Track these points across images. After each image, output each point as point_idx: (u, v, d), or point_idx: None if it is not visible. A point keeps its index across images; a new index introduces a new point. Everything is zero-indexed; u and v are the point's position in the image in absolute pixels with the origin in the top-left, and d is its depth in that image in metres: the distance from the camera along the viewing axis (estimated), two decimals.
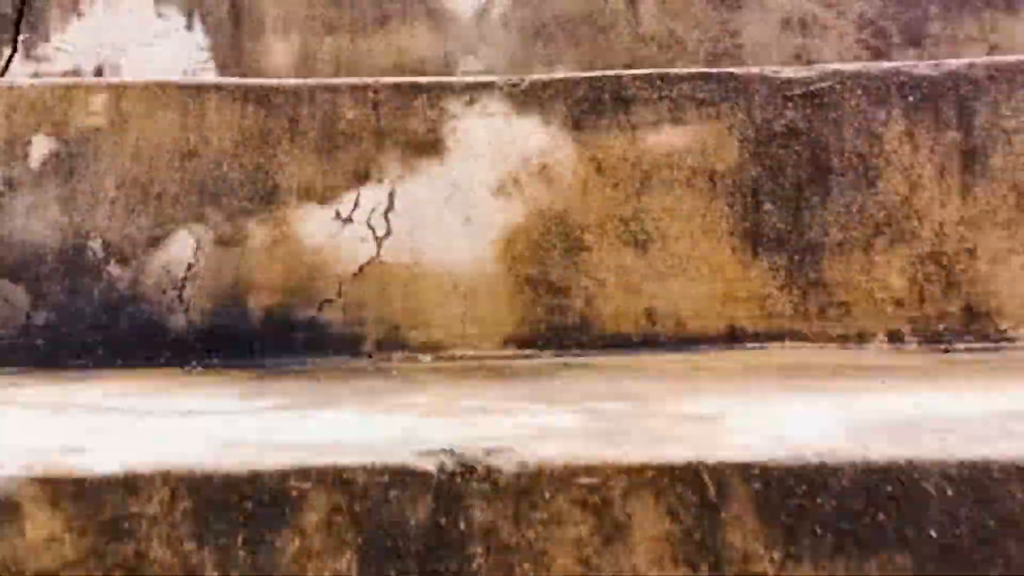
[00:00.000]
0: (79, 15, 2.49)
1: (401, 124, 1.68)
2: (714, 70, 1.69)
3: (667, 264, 1.64)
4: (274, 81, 1.74)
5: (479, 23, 2.49)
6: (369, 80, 1.71)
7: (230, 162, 1.68)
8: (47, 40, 2.44)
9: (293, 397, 1.13)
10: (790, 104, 1.66)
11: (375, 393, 1.17)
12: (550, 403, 1.03)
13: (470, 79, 1.70)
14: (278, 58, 2.50)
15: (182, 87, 1.70)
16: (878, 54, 2.50)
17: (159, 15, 2.48)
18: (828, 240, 1.64)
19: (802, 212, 1.65)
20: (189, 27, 2.47)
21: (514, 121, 1.67)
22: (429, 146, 1.67)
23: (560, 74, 1.74)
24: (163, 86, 1.69)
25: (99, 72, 2.42)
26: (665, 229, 1.65)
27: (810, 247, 1.64)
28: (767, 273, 1.64)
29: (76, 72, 2.43)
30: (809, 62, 2.49)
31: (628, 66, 2.66)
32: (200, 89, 1.70)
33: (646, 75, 1.69)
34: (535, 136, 1.67)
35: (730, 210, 1.65)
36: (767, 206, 1.65)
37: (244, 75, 2.49)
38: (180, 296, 1.64)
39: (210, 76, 2.46)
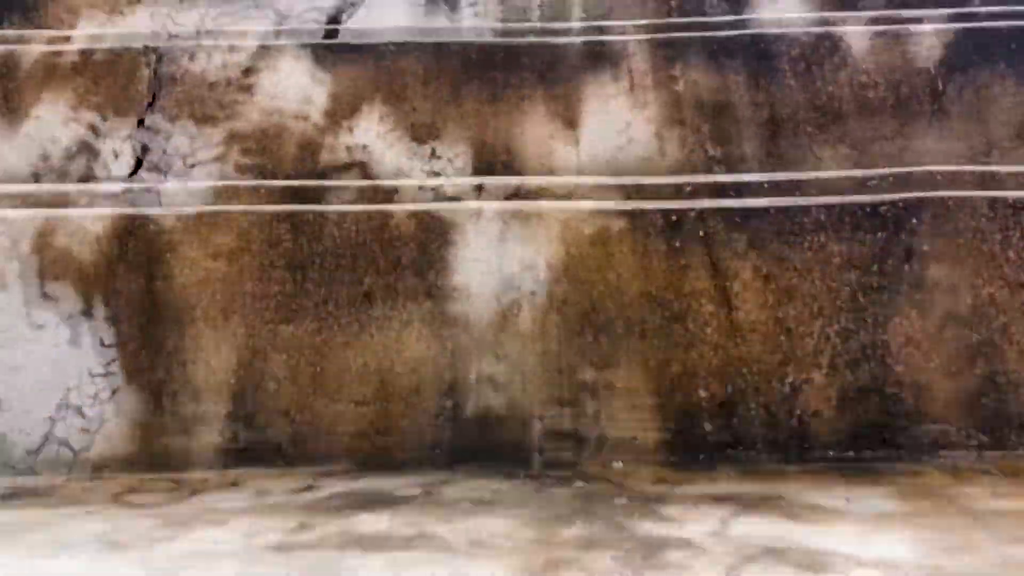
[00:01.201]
0: None
1: None
2: None
3: None
4: None
5: (500, 328, 1.71)
6: None
7: None
8: None
9: None
10: None
11: None
12: None
13: None
14: (213, 360, 1.74)
15: None
16: None
17: (44, 296, 1.73)
18: None
19: None
20: (88, 314, 1.74)
21: None
22: None
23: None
24: None
25: None
26: None
27: None
28: None
29: None
30: (986, 383, 1.66)
31: (718, 371, 1.85)
32: None
33: None
34: None
35: None
36: None
37: (160, 386, 1.70)
38: None
39: (117, 381, 1.69)
